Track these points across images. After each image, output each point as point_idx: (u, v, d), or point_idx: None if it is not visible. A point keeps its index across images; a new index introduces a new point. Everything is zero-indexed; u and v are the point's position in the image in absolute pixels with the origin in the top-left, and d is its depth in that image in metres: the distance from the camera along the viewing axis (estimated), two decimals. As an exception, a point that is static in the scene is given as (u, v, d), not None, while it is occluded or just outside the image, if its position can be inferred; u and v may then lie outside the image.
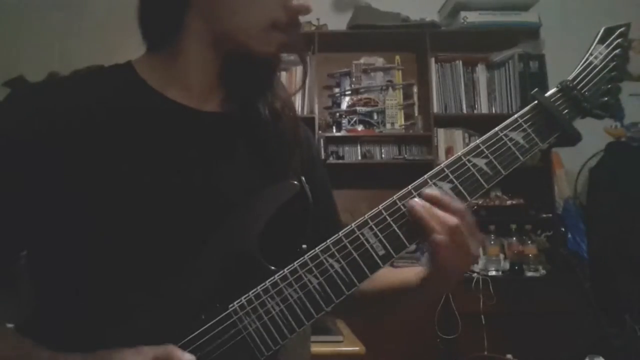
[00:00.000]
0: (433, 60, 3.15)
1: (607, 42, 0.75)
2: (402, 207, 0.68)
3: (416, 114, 3.22)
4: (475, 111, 3.18)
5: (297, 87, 2.97)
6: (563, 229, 2.95)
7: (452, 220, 0.65)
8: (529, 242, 2.90)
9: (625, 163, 2.94)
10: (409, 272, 0.78)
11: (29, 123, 0.66)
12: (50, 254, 0.69)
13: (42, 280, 0.71)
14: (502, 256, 2.91)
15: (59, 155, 0.65)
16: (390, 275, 0.80)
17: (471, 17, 3.09)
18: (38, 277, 0.71)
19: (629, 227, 2.78)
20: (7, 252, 0.69)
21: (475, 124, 3.15)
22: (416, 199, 0.67)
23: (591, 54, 0.75)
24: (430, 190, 0.68)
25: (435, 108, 3.11)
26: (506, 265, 2.87)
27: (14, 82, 2.92)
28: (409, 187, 0.70)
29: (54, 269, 0.69)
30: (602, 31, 0.76)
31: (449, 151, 3.11)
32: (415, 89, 3.26)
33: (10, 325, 0.70)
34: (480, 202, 2.94)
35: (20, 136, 0.66)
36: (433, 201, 0.67)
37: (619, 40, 0.75)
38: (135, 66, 0.75)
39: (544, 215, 2.96)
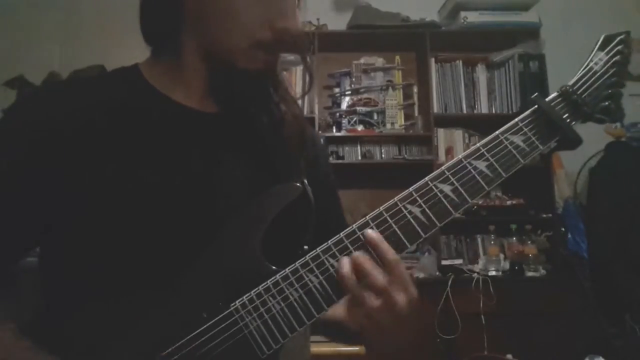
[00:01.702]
0: (433, 60, 3.15)
1: (607, 49, 0.76)
2: (402, 208, 0.69)
3: (416, 114, 3.22)
4: (475, 111, 3.18)
5: (298, 87, 2.98)
6: (563, 229, 2.95)
7: (379, 280, 0.64)
8: (529, 242, 2.91)
9: (625, 163, 2.95)
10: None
11: (37, 126, 0.67)
12: (55, 255, 0.70)
13: (49, 278, 0.72)
14: (502, 256, 2.91)
15: (66, 158, 0.66)
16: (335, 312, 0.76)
17: (471, 17, 3.09)
18: (44, 276, 0.72)
19: (629, 227, 2.78)
20: (11, 251, 0.70)
21: (475, 124, 3.15)
22: (345, 265, 0.65)
23: (591, 60, 0.76)
24: (371, 234, 0.66)
25: (435, 108, 3.11)
26: (506, 265, 2.87)
27: (14, 82, 2.92)
28: (410, 189, 0.70)
29: (61, 267, 0.69)
30: (602, 38, 0.77)
31: (449, 151, 3.11)
32: (415, 89, 3.26)
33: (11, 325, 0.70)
34: (480, 202, 2.94)
35: (30, 138, 0.67)
36: (371, 245, 0.66)
37: (619, 47, 0.76)
38: (141, 69, 0.76)
39: (544, 215, 2.96)
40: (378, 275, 0.64)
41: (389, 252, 0.65)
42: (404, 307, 0.64)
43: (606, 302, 2.72)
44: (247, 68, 0.72)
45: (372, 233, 0.66)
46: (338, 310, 0.71)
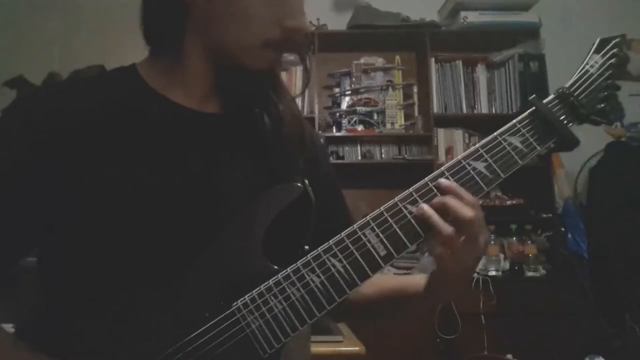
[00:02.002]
0: (433, 60, 3.15)
1: (602, 52, 0.78)
2: (403, 208, 0.70)
3: (416, 114, 3.22)
4: (475, 111, 3.18)
5: (297, 88, 2.98)
6: (563, 229, 2.95)
7: (467, 212, 0.67)
8: (529, 242, 2.91)
9: (625, 163, 2.95)
10: (410, 280, 0.80)
11: (36, 126, 0.67)
12: (55, 255, 0.70)
13: (48, 279, 0.72)
14: (502, 256, 2.91)
15: (66, 158, 0.66)
16: (391, 281, 0.81)
17: (471, 17, 3.09)
18: (44, 276, 0.72)
19: (629, 227, 2.78)
20: (9, 252, 0.70)
21: (475, 124, 3.15)
22: (425, 205, 0.69)
23: (587, 63, 0.77)
24: (447, 181, 0.70)
25: (435, 108, 3.11)
26: (506, 265, 2.87)
27: (14, 82, 2.92)
28: (410, 189, 0.71)
29: (61, 267, 0.69)
30: (597, 42, 0.79)
31: (449, 151, 3.11)
32: (415, 89, 3.26)
33: (10, 325, 0.70)
34: (480, 202, 2.93)
35: (28, 138, 0.67)
36: (449, 191, 0.69)
37: (614, 50, 0.77)
38: (138, 69, 0.76)
39: (544, 215, 2.97)
40: (465, 209, 0.67)
41: (468, 194, 0.69)
42: (484, 245, 0.68)
43: (606, 302, 2.72)
44: (256, 68, 0.72)
45: (446, 181, 0.70)
46: (394, 280, 0.79)
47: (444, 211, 0.68)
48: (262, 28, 0.70)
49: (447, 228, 0.67)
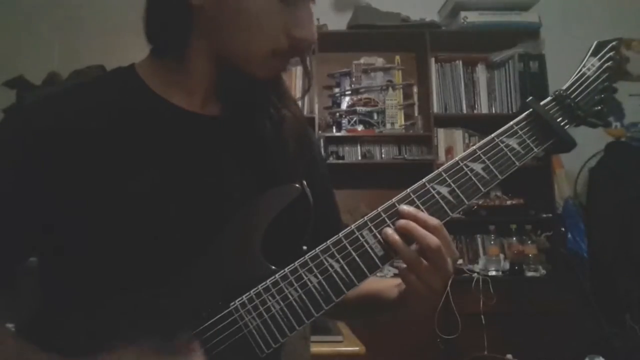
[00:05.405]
0: (433, 60, 3.15)
1: (599, 55, 0.78)
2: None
3: (416, 114, 3.23)
4: (475, 111, 3.18)
5: (298, 88, 2.97)
6: (563, 229, 2.96)
7: (433, 241, 0.66)
8: (529, 242, 2.91)
9: (625, 163, 2.95)
10: (385, 286, 0.81)
11: (36, 138, 0.67)
12: (56, 255, 0.70)
13: (46, 278, 0.72)
14: (502, 256, 2.92)
15: (67, 164, 0.66)
16: (372, 284, 0.81)
17: (471, 17, 3.10)
18: (43, 276, 0.72)
19: (629, 227, 2.78)
20: (10, 257, 0.70)
21: (475, 124, 3.15)
22: (389, 229, 0.68)
23: (584, 66, 0.78)
24: (407, 207, 0.68)
25: (435, 108, 3.11)
26: (506, 265, 2.88)
27: (14, 82, 2.92)
28: (408, 190, 0.71)
29: (60, 268, 0.70)
30: (594, 45, 0.80)
31: (449, 151, 3.12)
32: (415, 89, 3.27)
33: (10, 326, 0.70)
34: (480, 202, 2.95)
35: (27, 149, 0.67)
36: (410, 219, 0.67)
37: (610, 53, 0.78)
38: (138, 70, 0.76)
39: (544, 215, 2.97)
40: (430, 238, 0.66)
41: (430, 218, 0.67)
42: (451, 266, 0.68)
43: (606, 302, 2.72)
44: (262, 77, 0.72)
45: (407, 207, 0.68)
46: (373, 284, 0.76)
47: (410, 235, 0.67)
48: (270, 37, 0.69)
49: (411, 256, 0.67)
